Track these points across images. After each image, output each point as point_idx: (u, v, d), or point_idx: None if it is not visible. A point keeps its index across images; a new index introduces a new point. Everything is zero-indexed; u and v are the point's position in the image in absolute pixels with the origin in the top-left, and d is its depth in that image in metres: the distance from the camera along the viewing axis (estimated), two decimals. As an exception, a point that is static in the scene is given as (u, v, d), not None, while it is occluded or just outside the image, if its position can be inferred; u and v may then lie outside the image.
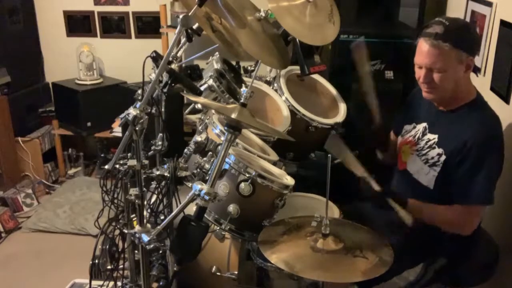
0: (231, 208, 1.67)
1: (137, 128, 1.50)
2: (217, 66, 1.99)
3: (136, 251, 1.82)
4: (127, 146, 1.61)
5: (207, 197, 1.41)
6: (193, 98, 1.69)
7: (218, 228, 1.78)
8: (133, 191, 1.60)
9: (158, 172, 1.69)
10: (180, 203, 1.63)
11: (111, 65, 4.06)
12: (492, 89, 2.27)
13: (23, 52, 3.88)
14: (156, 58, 1.67)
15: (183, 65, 1.95)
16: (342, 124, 2.28)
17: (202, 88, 1.90)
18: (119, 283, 1.81)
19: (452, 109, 1.87)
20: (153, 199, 1.76)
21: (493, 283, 1.99)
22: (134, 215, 1.69)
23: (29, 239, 3.25)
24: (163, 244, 1.75)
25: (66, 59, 3.97)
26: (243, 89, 1.53)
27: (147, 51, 1.68)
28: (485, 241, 1.96)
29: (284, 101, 2.24)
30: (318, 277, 1.44)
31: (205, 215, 1.47)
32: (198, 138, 1.71)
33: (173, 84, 1.66)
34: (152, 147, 1.77)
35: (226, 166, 1.67)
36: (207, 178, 1.55)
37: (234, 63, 2.24)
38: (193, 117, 2.24)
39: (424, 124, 1.97)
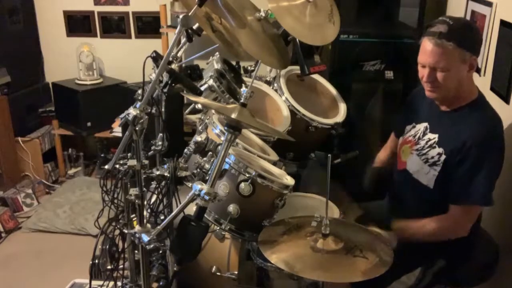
0: (231, 208, 1.67)
1: (137, 128, 1.50)
2: (217, 66, 1.99)
3: (136, 251, 1.81)
4: (127, 146, 1.61)
5: (207, 197, 1.41)
6: (193, 98, 1.69)
7: (218, 228, 1.78)
8: (133, 191, 1.60)
9: (158, 172, 1.69)
10: (180, 203, 1.63)
11: (111, 65, 4.06)
12: (492, 89, 2.27)
13: (23, 52, 3.88)
14: (156, 58, 1.66)
15: (183, 65, 1.95)
16: (342, 124, 2.28)
17: (202, 88, 1.90)
18: (119, 283, 1.81)
19: (454, 108, 1.87)
20: (153, 199, 1.76)
21: (493, 283, 1.99)
22: (134, 215, 1.69)
23: (29, 239, 3.25)
24: (163, 244, 1.75)
25: (66, 59, 3.97)
26: (243, 89, 1.52)
27: (147, 51, 1.68)
28: (485, 241, 1.96)
29: (284, 101, 2.24)
30: (318, 277, 1.44)
31: (205, 215, 1.47)
32: (198, 138, 1.71)
33: (173, 84, 1.66)
34: (152, 147, 1.77)
35: (226, 166, 1.67)
36: (207, 178, 1.55)
37: (234, 63, 2.24)
38: (193, 117, 2.24)
39: (425, 124, 1.97)
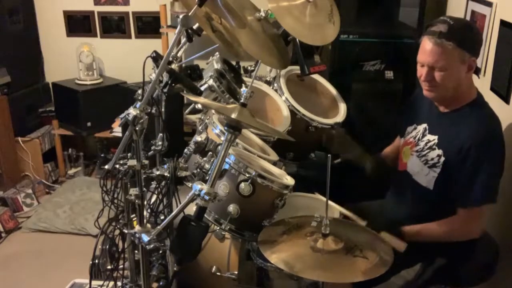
0: (231, 208, 1.67)
1: (137, 128, 1.50)
2: (217, 66, 1.99)
3: (136, 251, 1.81)
4: (127, 146, 1.61)
5: (207, 197, 1.41)
6: (193, 98, 1.69)
7: (218, 228, 1.78)
8: (133, 191, 1.60)
9: (158, 172, 1.69)
10: (180, 203, 1.63)
11: (111, 65, 4.06)
12: (492, 89, 2.27)
13: (23, 52, 3.88)
14: (156, 58, 1.66)
15: (183, 65, 1.95)
16: (342, 124, 2.28)
17: (202, 88, 1.90)
18: (119, 283, 1.81)
19: (453, 109, 1.87)
20: (153, 199, 1.76)
21: (493, 283, 1.99)
22: (134, 215, 1.69)
23: (29, 239, 3.25)
24: (163, 244, 1.75)
25: (66, 59, 3.97)
26: (243, 89, 1.52)
27: (147, 51, 1.68)
28: (485, 241, 1.95)
29: (284, 101, 2.24)
30: (318, 277, 1.44)
31: (205, 215, 1.47)
32: (198, 138, 1.71)
33: (173, 84, 1.66)
34: (152, 147, 1.77)
35: (226, 166, 1.67)
36: (207, 178, 1.55)
37: (234, 63, 2.24)
38: (193, 117, 2.24)
39: (424, 125, 1.97)
